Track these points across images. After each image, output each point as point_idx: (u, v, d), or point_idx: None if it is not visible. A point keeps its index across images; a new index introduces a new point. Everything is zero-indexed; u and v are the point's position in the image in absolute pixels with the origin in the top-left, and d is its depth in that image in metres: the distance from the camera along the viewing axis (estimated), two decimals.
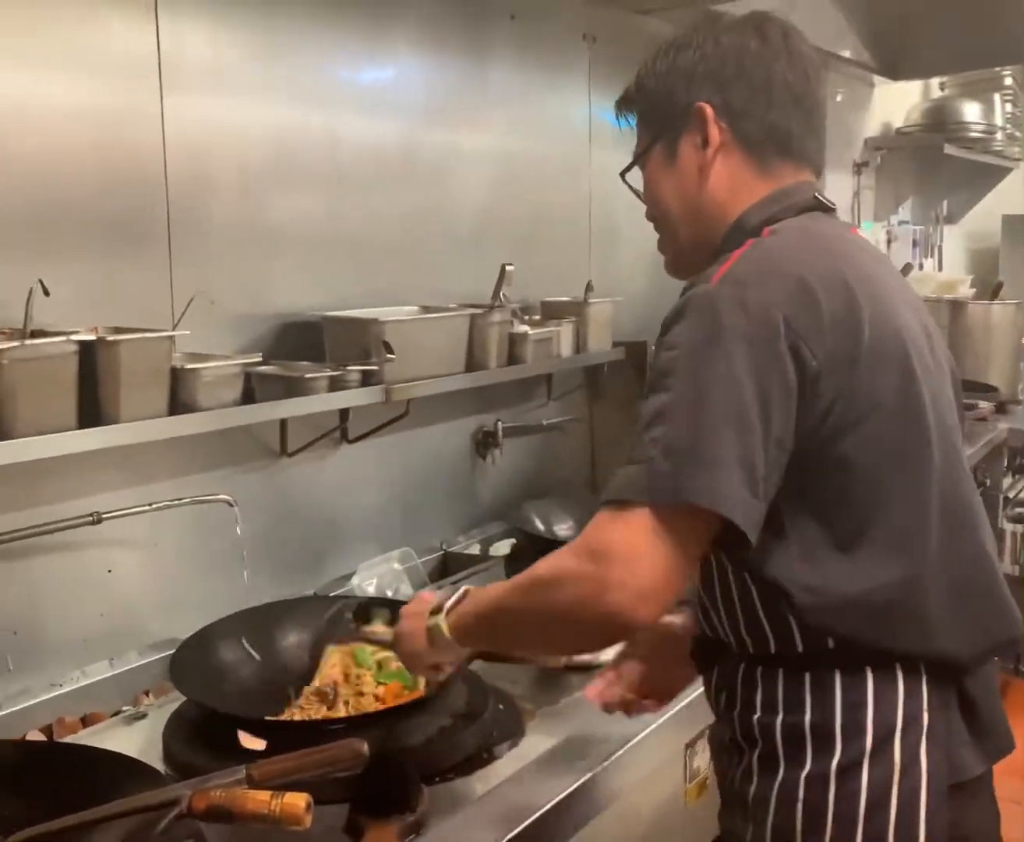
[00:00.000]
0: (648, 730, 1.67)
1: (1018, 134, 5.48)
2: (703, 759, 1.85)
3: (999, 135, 5.32)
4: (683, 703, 1.71)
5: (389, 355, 2.13)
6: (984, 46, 4.37)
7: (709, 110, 1.36)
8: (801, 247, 1.29)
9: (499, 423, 2.79)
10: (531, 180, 2.90)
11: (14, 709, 1.76)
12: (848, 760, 1.24)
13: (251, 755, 1.49)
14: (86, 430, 1.70)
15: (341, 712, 1.70)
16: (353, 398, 2.15)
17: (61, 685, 1.84)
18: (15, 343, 1.60)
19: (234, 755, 1.46)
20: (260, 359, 2.01)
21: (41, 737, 1.74)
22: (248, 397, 1.98)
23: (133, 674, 1.92)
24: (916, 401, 1.27)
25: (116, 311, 1.86)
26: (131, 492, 1.93)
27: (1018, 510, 4.13)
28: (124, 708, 1.85)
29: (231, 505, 2.04)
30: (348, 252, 2.37)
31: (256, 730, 1.56)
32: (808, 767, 1.26)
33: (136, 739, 1.72)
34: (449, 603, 1.38)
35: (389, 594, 2.28)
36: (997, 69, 5.22)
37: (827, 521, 1.24)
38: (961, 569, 1.29)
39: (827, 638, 1.25)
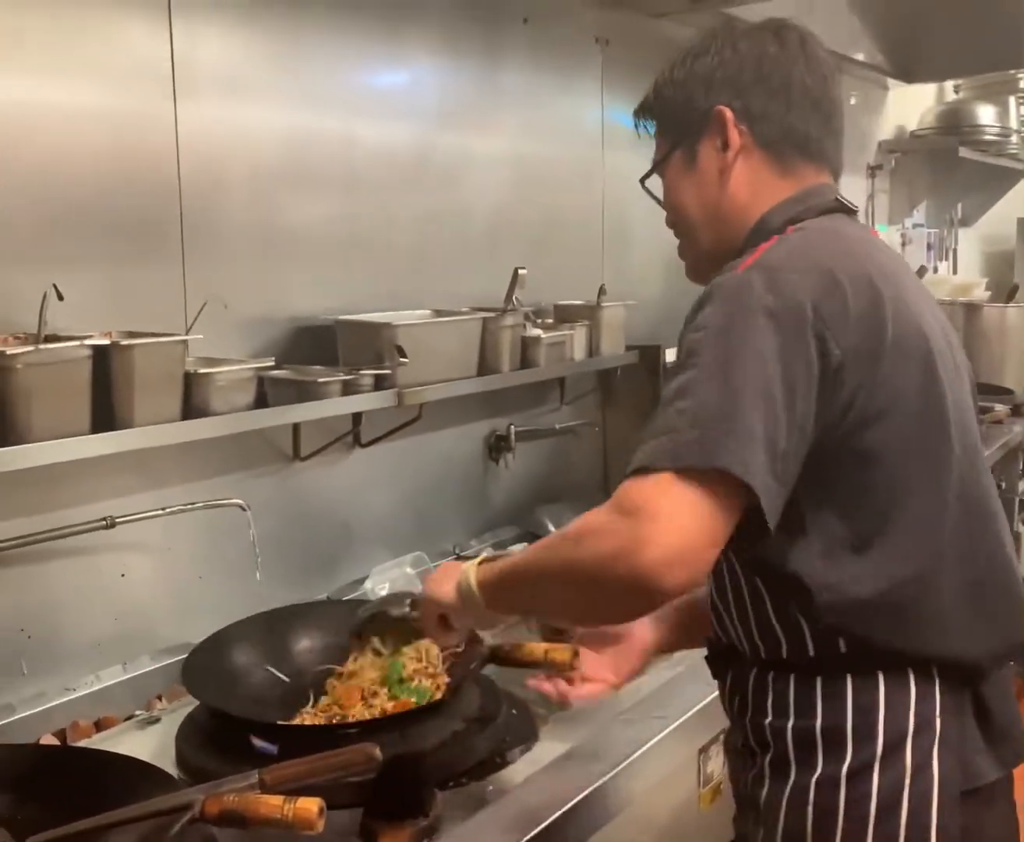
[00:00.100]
0: (661, 735, 1.67)
1: None
2: (716, 764, 1.84)
3: (1014, 138, 5.29)
4: (697, 708, 1.70)
5: (402, 359, 2.13)
6: (998, 49, 4.36)
7: (729, 113, 1.36)
8: (827, 245, 1.29)
9: (511, 427, 2.79)
10: (544, 183, 2.90)
11: (28, 713, 1.77)
12: (859, 764, 1.24)
13: (264, 759, 1.49)
14: (100, 434, 1.70)
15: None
16: (366, 402, 2.15)
17: (75, 689, 1.84)
18: (29, 348, 1.60)
19: (247, 759, 1.46)
20: (273, 363, 2.02)
21: (55, 741, 1.74)
22: (261, 401, 1.98)
23: (146, 678, 1.92)
24: (938, 400, 1.27)
25: (130, 315, 1.86)
26: (144, 496, 1.93)
27: None
28: (137, 712, 1.86)
29: (244, 509, 2.04)
30: (361, 256, 2.37)
31: (269, 735, 1.56)
32: (819, 771, 1.25)
33: (149, 743, 1.72)
34: (484, 555, 1.39)
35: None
36: (1012, 72, 5.19)
37: (848, 516, 1.23)
38: (978, 569, 1.29)
39: (839, 641, 1.25)
